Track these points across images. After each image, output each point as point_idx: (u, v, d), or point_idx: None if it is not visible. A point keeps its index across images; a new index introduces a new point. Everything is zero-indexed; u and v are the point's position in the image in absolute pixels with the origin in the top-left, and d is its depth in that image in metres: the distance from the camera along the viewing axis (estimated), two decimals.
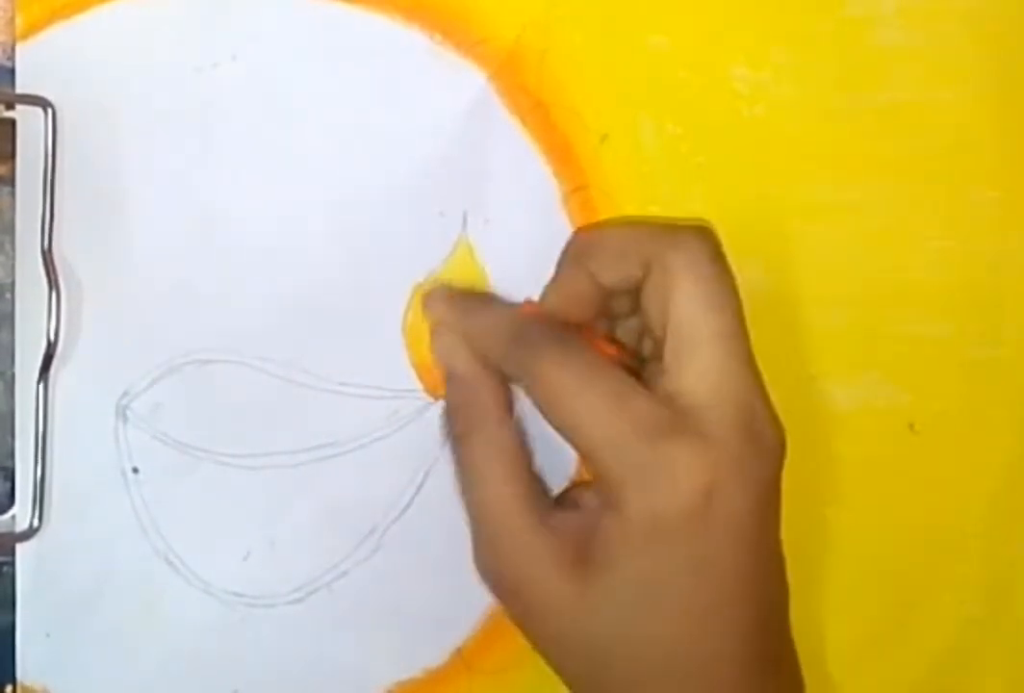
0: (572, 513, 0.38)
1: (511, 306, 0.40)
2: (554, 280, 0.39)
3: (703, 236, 0.38)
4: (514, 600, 0.38)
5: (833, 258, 0.42)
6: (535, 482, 0.38)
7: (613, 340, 0.40)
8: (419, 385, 0.41)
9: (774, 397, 0.37)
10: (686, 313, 0.37)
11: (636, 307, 0.39)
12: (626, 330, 0.40)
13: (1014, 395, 0.45)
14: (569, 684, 0.38)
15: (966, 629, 0.45)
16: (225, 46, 0.39)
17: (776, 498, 0.37)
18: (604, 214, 0.42)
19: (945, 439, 0.44)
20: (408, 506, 0.41)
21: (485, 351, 0.39)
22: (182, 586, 0.40)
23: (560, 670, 0.38)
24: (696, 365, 0.36)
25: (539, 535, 0.37)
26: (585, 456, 0.37)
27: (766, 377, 0.37)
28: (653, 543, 0.36)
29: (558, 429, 0.37)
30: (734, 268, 0.37)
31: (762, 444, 0.36)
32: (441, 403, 0.41)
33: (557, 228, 0.41)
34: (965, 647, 0.45)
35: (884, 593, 0.40)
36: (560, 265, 0.39)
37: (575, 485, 0.40)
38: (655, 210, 0.42)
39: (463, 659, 0.42)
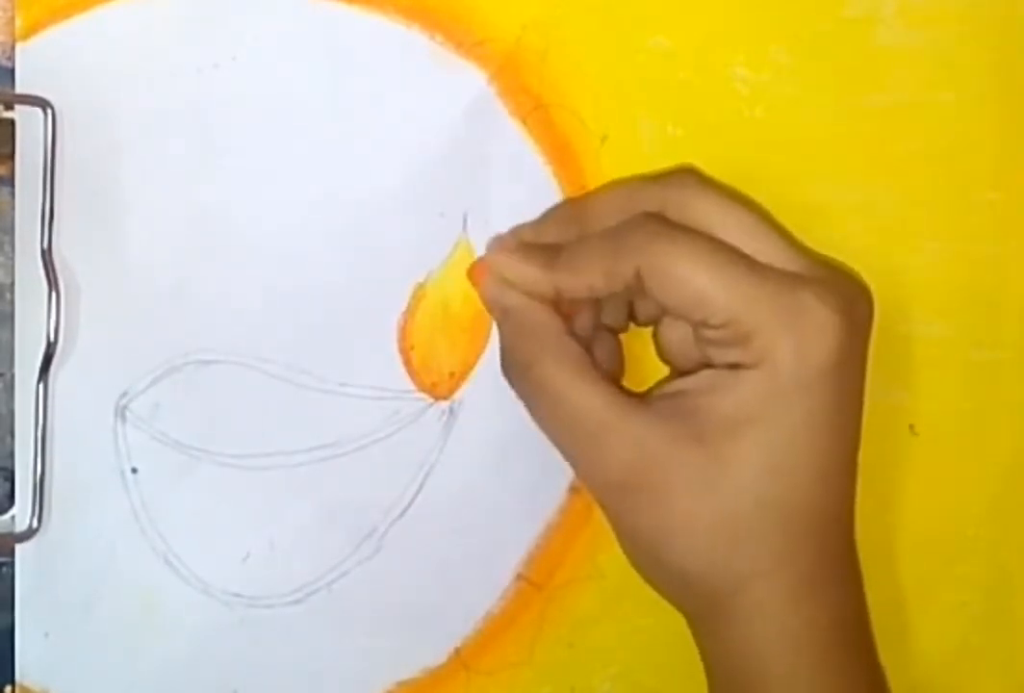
0: (672, 401, 0.37)
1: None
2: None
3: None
4: (636, 495, 0.37)
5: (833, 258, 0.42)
6: (618, 384, 0.38)
7: None
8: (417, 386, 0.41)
9: None
10: None
11: None
12: None
13: (1014, 396, 0.45)
14: (683, 571, 0.37)
15: (966, 629, 0.45)
16: (225, 46, 0.39)
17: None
18: None
19: (945, 440, 0.44)
20: (408, 507, 0.41)
21: (586, 268, 0.38)
22: (181, 587, 0.40)
23: (681, 557, 0.37)
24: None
25: (650, 425, 0.36)
26: (717, 325, 0.36)
27: None
28: (802, 395, 0.35)
29: (684, 305, 0.36)
30: None
31: (860, 287, 0.39)
32: (440, 404, 0.41)
33: None
34: (965, 647, 0.45)
35: (884, 594, 0.40)
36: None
37: (660, 383, 0.39)
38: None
39: (462, 659, 0.42)
